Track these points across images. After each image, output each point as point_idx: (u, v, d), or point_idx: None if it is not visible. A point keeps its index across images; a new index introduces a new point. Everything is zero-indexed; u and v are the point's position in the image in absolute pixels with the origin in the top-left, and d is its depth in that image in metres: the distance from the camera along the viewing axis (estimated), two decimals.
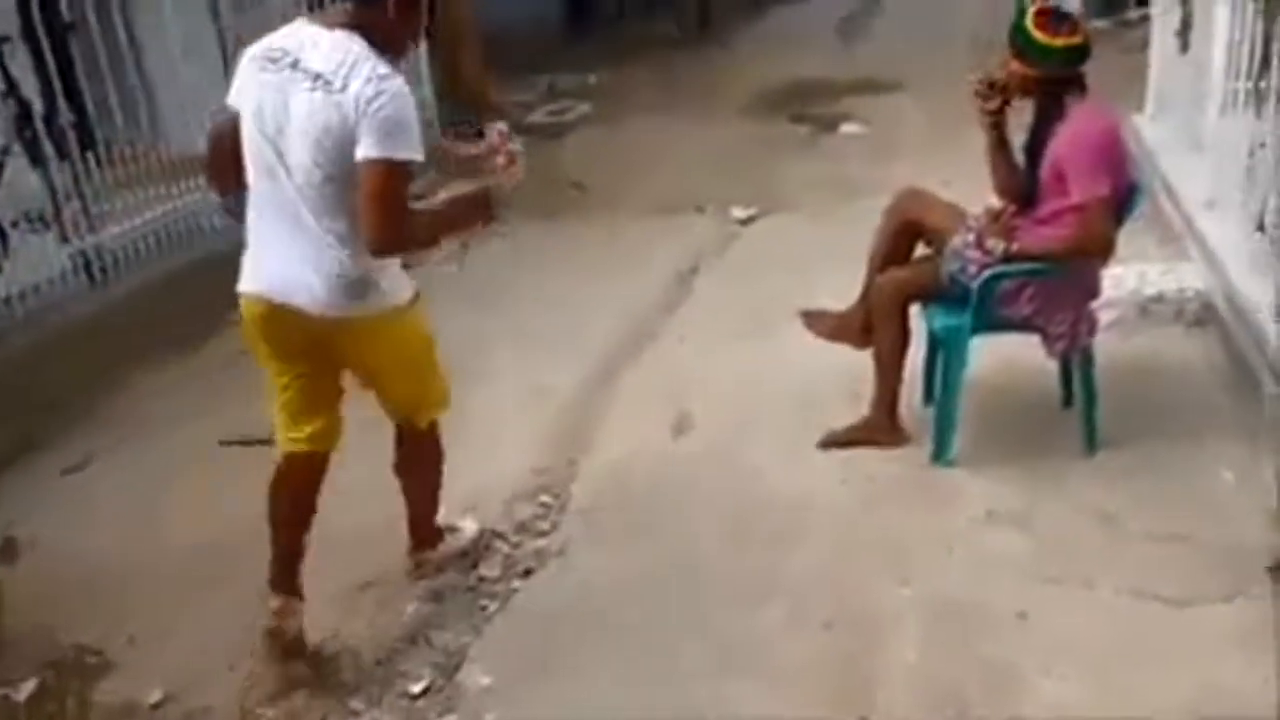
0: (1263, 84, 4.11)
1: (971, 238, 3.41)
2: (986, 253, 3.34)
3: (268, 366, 2.90)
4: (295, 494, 2.99)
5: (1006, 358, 3.83)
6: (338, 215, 2.59)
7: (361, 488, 3.33)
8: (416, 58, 7.49)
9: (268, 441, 4.06)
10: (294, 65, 2.56)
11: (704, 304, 5.23)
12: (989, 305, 3.35)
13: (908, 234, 3.71)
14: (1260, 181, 4.09)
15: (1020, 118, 3.57)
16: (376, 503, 3.32)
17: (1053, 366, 3.78)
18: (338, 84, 2.50)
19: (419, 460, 3.18)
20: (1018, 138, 3.60)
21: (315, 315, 2.67)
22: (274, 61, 2.59)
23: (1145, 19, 10.71)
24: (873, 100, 8.92)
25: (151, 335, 4.80)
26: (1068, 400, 3.81)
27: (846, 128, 8.18)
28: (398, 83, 2.52)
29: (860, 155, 7.43)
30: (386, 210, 2.49)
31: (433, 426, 3.12)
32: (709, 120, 8.88)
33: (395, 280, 2.79)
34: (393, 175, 2.48)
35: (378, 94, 2.47)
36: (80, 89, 4.97)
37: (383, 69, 2.52)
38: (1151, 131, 6.31)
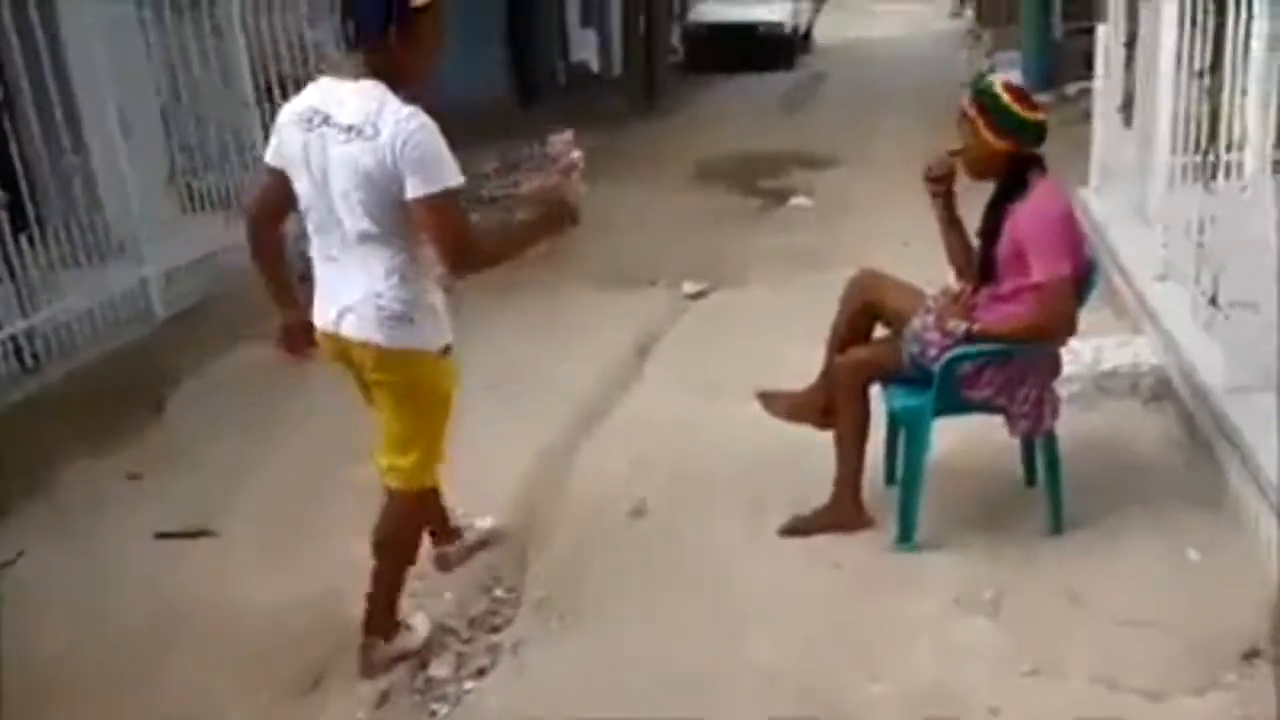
0: (1210, 157, 4.15)
1: (931, 319, 3.36)
2: (947, 334, 3.30)
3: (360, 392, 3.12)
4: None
5: (968, 437, 3.77)
6: (380, 254, 2.79)
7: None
8: None
9: (206, 533, 3.96)
10: (326, 121, 2.74)
11: (657, 381, 5.15)
12: (951, 387, 3.29)
13: (866, 315, 3.66)
14: (1211, 256, 4.11)
15: (969, 195, 3.55)
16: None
17: (1015, 445, 3.73)
18: (369, 131, 2.66)
19: (387, 530, 3.13)
20: (969, 215, 3.58)
21: (358, 343, 2.87)
22: (308, 120, 2.77)
23: (1084, 93, 11.01)
24: (818, 173, 9.02)
25: (87, 422, 4.60)
26: (1031, 479, 3.76)
27: (795, 200, 8.22)
28: (422, 119, 2.67)
29: (809, 227, 7.47)
30: (451, 237, 2.71)
31: (410, 500, 3.11)
32: (659, 192, 8.90)
33: (431, 326, 2.91)
34: (444, 206, 2.68)
35: (408, 135, 2.64)
36: (13, 167, 4.82)
37: (405, 109, 2.67)
38: (1098, 205, 6.38)
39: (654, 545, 3.69)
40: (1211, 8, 4.05)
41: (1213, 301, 4.06)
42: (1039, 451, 3.56)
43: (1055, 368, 3.44)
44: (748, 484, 3.97)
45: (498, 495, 4.07)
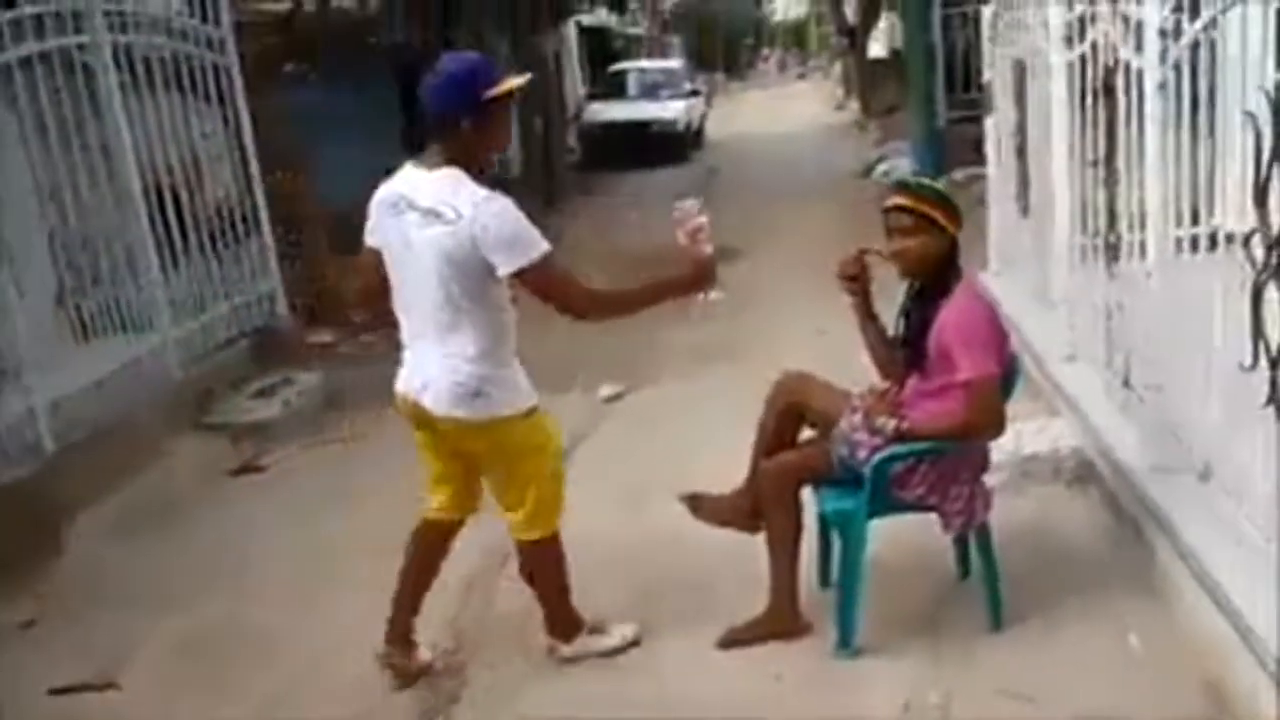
0: (1111, 238, 4.24)
1: (858, 419, 3.33)
2: (875, 433, 3.26)
3: (420, 452, 3.44)
4: (423, 553, 3.54)
5: (897, 533, 3.70)
6: (459, 332, 3.07)
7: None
8: (263, 248, 7.24)
9: (107, 685, 3.68)
10: (410, 206, 3.05)
11: (580, 492, 4.97)
12: (884, 488, 3.25)
13: (792, 417, 3.61)
14: (1120, 338, 4.18)
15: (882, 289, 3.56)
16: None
17: (945, 539, 3.69)
18: (450, 215, 2.96)
19: (532, 572, 3.48)
20: (884, 309, 3.58)
21: (439, 416, 3.16)
22: (394, 205, 3.10)
23: (974, 179, 11.35)
24: (724, 266, 8.97)
25: None
26: (965, 572, 3.72)
27: (703, 295, 8.22)
28: (501, 201, 2.98)
29: (720, 321, 7.44)
30: (561, 295, 3.10)
31: (533, 546, 3.38)
32: None
33: (507, 393, 3.17)
34: (541, 272, 3.01)
35: (490, 218, 2.95)
36: None
37: (482, 192, 2.98)
38: (999, 288, 6.48)
39: (584, 663, 3.53)
40: (1100, 93, 4.16)
41: (1126, 383, 4.12)
42: (972, 544, 3.53)
43: (985, 463, 3.43)
44: (681, 595, 3.86)
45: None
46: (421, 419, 3.26)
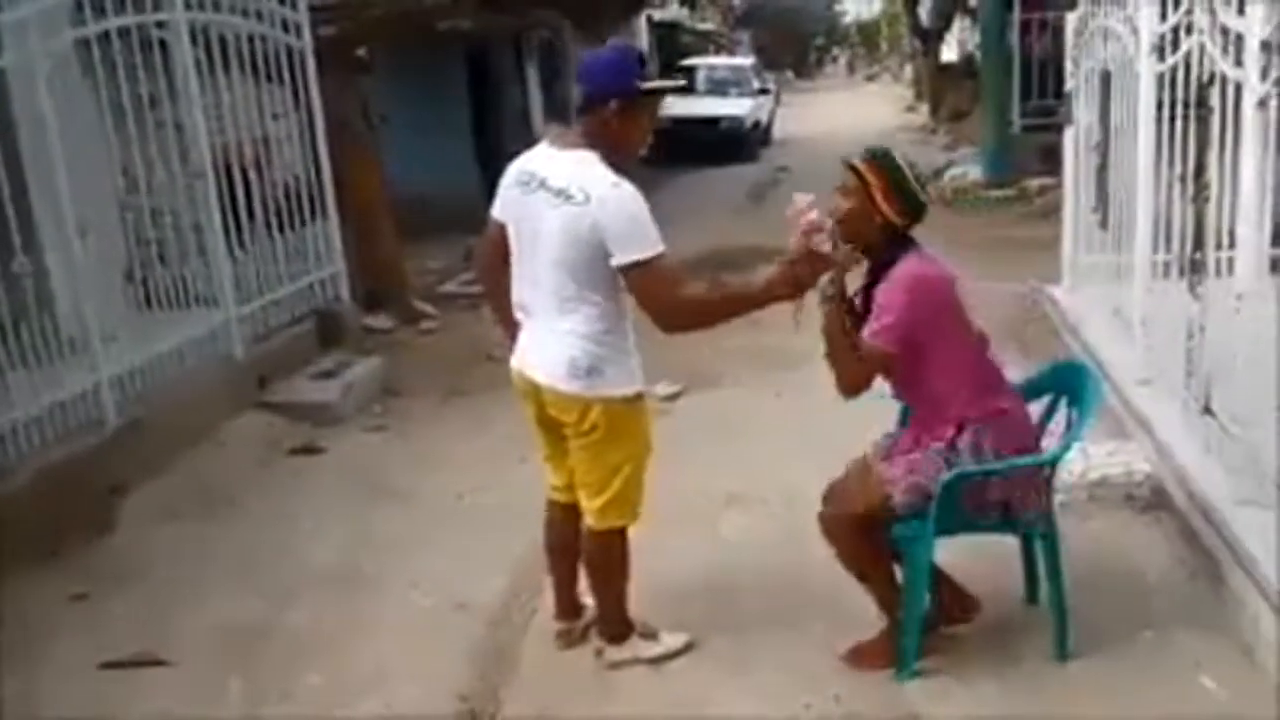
0: (1196, 257, 4.08)
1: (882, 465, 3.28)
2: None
3: (531, 427, 3.40)
4: (556, 534, 3.53)
5: (965, 551, 3.61)
6: (580, 311, 3.06)
7: None
8: (328, 232, 7.26)
9: (156, 661, 3.69)
10: (542, 184, 3.05)
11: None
12: (953, 506, 3.13)
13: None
14: (1201, 363, 4.03)
15: None
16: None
17: (1015, 558, 3.58)
18: (580, 197, 2.95)
19: (590, 564, 3.44)
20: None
21: (546, 388, 3.16)
22: (525, 184, 3.11)
23: (1045, 189, 11.14)
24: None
25: (30, 538, 4.31)
26: (1033, 595, 3.60)
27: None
28: (630, 189, 2.96)
29: (780, 325, 7.29)
30: (658, 303, 3.01)
31: (610, 535, 3.32)
32: None
33: (621, 374, 3.14)
34: (651, 271, 2.96)
35: (618, 203, 2.93)
36: None
37: (614, 178, 2.97)
38: (1071, 304, 6.35)
39: (638, 685, 3.42)
40: (1192, 107, 4.01)
41: (1206, 410, 3.97)
42: (1042, 568, 3.39)
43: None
44: (737, 604, 3.79)
45: (468, 620, 3.85)
46: (531, 394, 3.26)
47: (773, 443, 5.20)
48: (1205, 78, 3.91)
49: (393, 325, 7.84)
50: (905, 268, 3.14)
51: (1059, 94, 11.96)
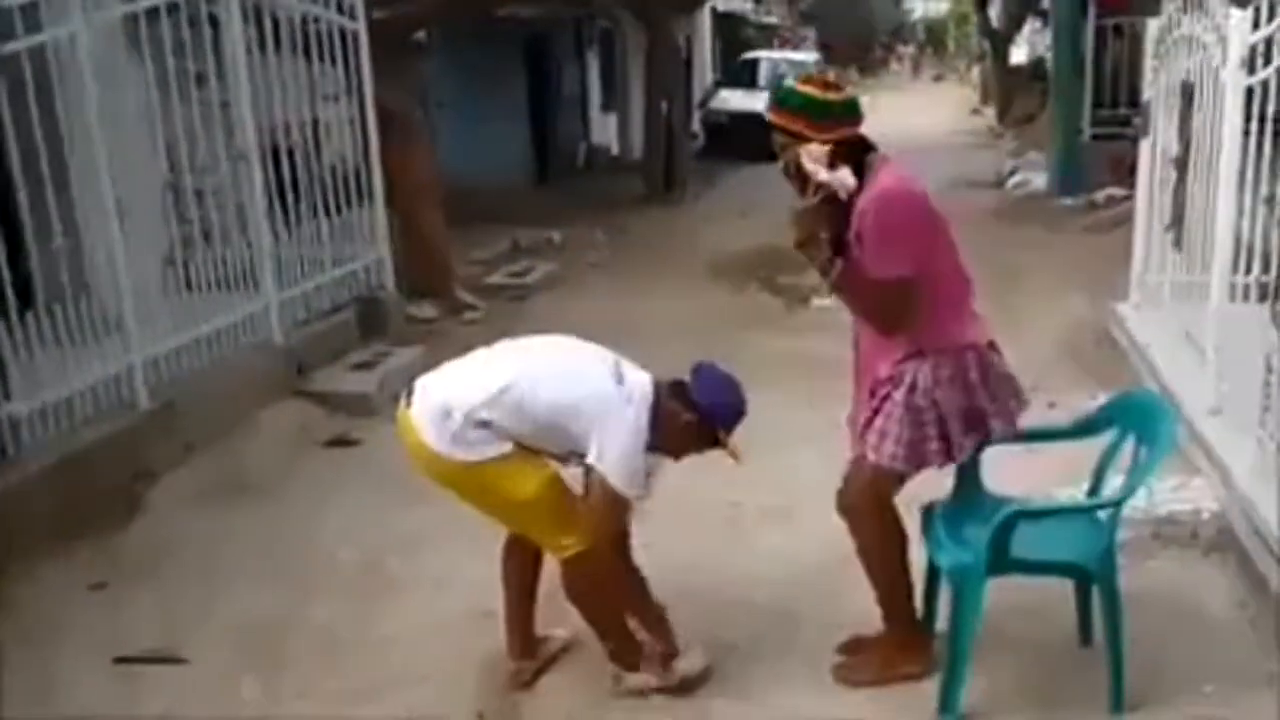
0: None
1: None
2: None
3: None
4: (512, 564, 3.40)
5: (1015, 586, 3.39)
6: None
7: None
8: (374, 217, 7.15)
9: (172, 659, 3.58)
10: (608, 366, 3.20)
11: (674, 499, 4.76)
12: (1007, 546, 2.92)
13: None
14: (1279, 397, 3.78)
15: None
16: None
17: (1069, 596, 3.37)
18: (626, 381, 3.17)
19: (570, 598, 3.23)
20: None
21: None
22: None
23: (1112, 200, 10.79)
24: None
25: (54, 523, 4.24)
26: (1086, 637, 3.39)
27: (818, 301, 7.90)
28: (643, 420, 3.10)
29: (831, 333, 7.07)
30: (595, 517, 3.13)
31: (576, 564, 3.12)
32: (676, 286, 8.61)
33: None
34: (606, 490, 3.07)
35: (621, 430, 3.07)
36: None
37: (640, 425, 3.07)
38: (1138, 324, 6.07)
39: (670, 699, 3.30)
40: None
41: None
42: (1100, 609, 3.17)
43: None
44: (762, 625, 3.62)
45: (493, 628, 3.70)
46: None
47: (809, 453, 5.00)
48: None
49: (436, 315, 7.74)
50: (877, 186, 2.97)
51: (1133, 103, 11.62)
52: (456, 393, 3.05)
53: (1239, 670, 3.26)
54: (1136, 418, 3.18)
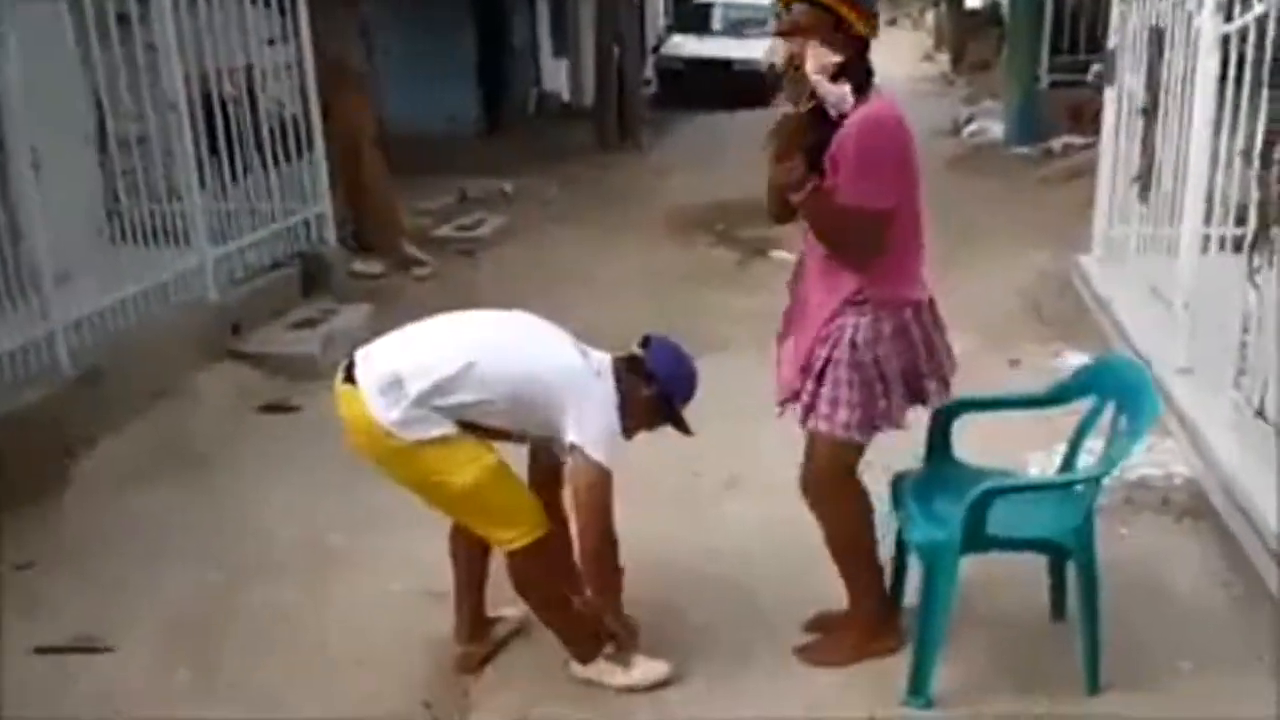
0: (1256, 246, 3.69)
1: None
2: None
3: None
4: (461, 539, 3.17)
5: (986, 556, 3.25)
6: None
7: None
8: (314, 169, 6.84)
9: (96, 648, 3.36)
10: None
11: (629, 471, 4.57)
12: (983, 522, 2.77)
13: None
14: (1259, 359, 3.66)
15: None
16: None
17: (1040, 569, 3.23)
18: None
19: (519, 591, 3.07)
20: None
21: None
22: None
23: (1070, 148, 10.67)
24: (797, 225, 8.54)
25: None
26: (1059, 612, 3.26)
27: (776, 254, 7.72)
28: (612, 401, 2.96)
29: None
30: (586, 495, 2.93)
31: (523, 556, 2.94)
32: (631, 240, 8.39)
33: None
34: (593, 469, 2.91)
35: (595, 402, 2.94)
36: None
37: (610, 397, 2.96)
38: (1102, 277, 5.96)
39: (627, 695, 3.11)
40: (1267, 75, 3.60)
41: (1260, 413, 3.60)
42: (1076, 585, 3.02)
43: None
44: (734, 615, 3.44)
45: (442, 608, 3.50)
46: None
47: (768, 417, 4.84)
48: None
49: (382, 271, 7.45)
50: (877, 117, 2.78)
51: (1092, 49, 11.50)
52: (409, 364, 2.82)
53: (1217, 646, 3.15)
54: (1115, 385, 3.03)
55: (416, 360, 2.83)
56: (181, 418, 4.94)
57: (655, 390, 3.02)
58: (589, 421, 2.83)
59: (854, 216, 2.79)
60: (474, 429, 2.86)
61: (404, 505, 4.05)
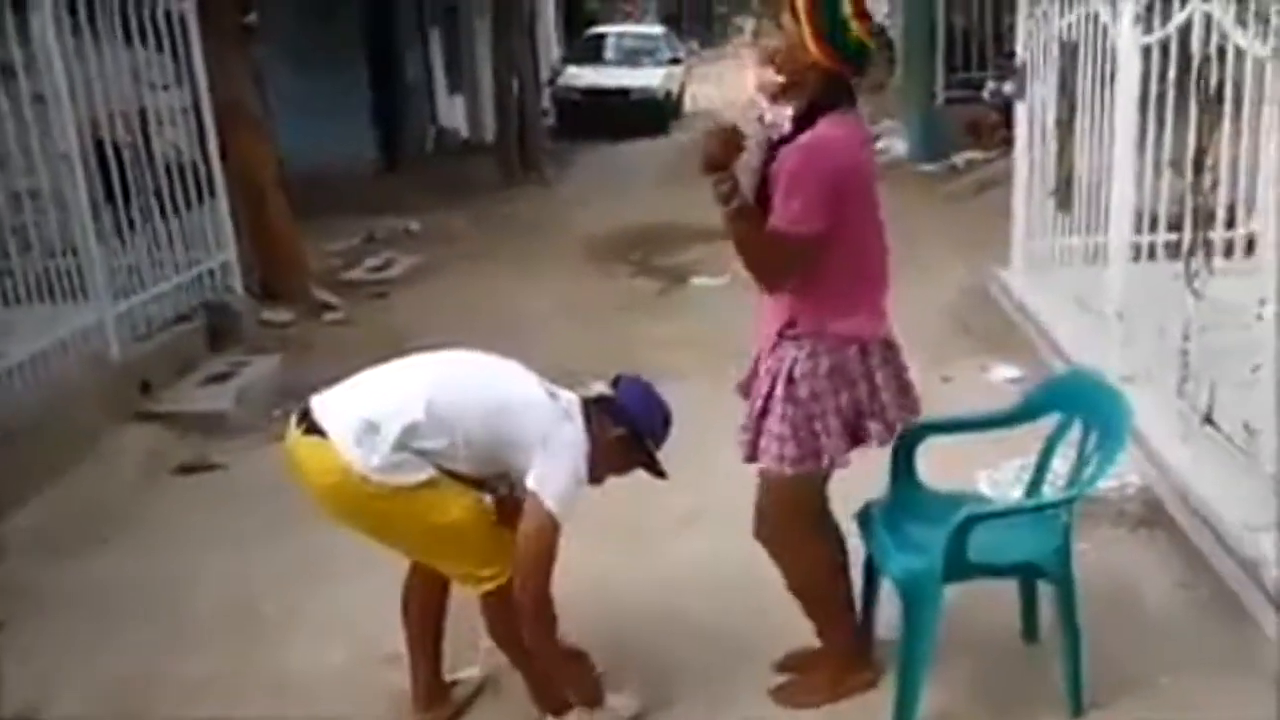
0: (1191, 254, 3.72)
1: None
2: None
3: None
4: (415, 599, 3.02)
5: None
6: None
7: None
8: (217, 215, 6.56)
9: None
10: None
11: (584, 502, 4.42)
12: (965, 551, 2.69)
13: None
14: (1202, 364, 3.67)
15: None
16: None
17: (1007, 590, 3.17)
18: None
19: (493, 639, 2.89)
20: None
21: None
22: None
23: (972, 164, 10.87)
24: (718, 246, 8.46)
25: None
26: (1031, 634, 3.20)
27: (698, 280, 7.66)
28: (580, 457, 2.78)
29: (719, 309, 6.84)
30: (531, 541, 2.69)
31: (497, 600, 2.76)
32: (549, 272, 8.24)
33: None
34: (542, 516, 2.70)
35: (565, 450, 2.75)
36: None
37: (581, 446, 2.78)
38: (1025, 289, 6.01)
39: None
40: (1196, 86, 3.62)
41: (1208, 419, 3.61)
42: (1054, 606, 2.95)
43: None
44: (699, 651, 3.31)
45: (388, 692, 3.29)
46: None
47: (718, 445, 4.73)
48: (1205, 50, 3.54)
49: (292, 317, 7.16)
50: (815, 131, 2.67)
51: (982, 66, 11.78)
52: (378, 409, 2.65)
53: (1189, 657, 3.11)
54: (1082, 400, 2.98)
55: (384, 405, 2.67)
56: (91, 486, 4.63)
57: (627, 430, 2.86)
58: (555, 470, 2.67)
59: (774, 238, 2.67)
60: (451, 476, 2.69)
61: (328, 564, 3.87)
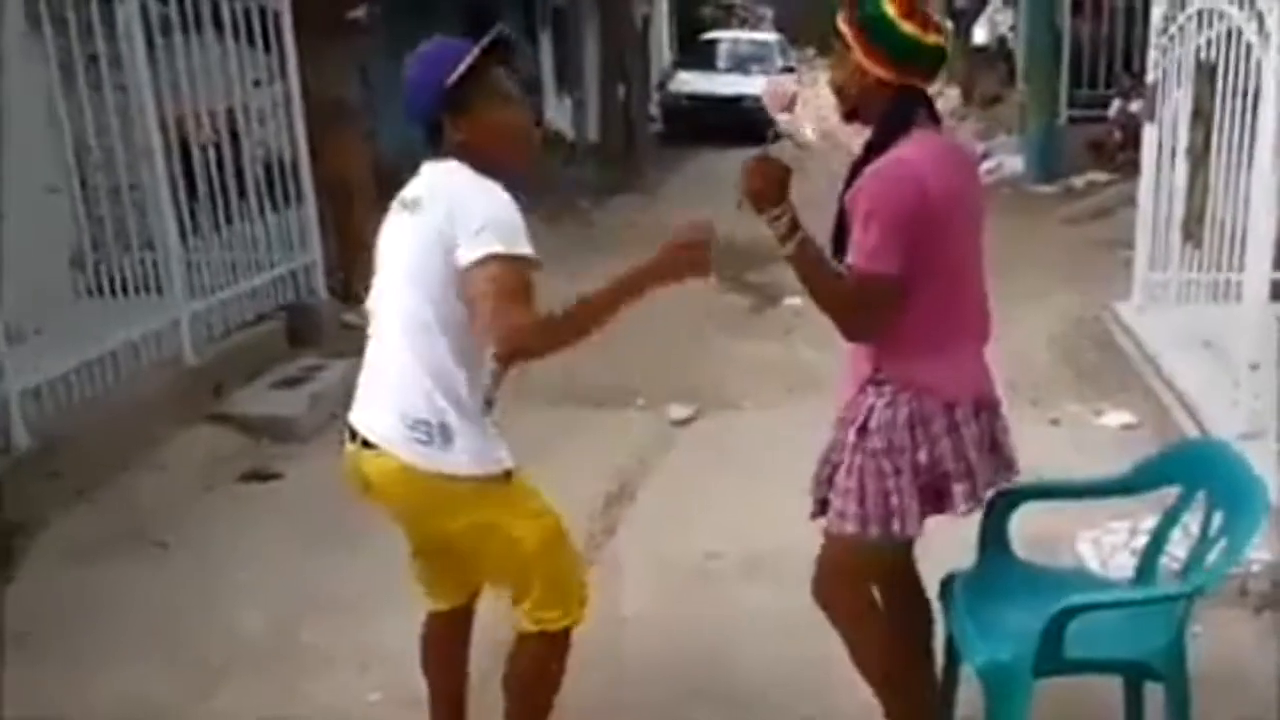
0: None
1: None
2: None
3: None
4: (437, 653, 2.77)
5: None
6: (426, 350, 2.36)
7: None
8: (304, 216, 6.46)
9: None
10: (403, 203, 2.46)
11: (639, 538, 4.17)
12: (1060, 642, 2.34)
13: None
14: None
15: None
16: None
17: (1111, 684, 2.80)
18: (428, 203, 2.38)
19: (518, 678, 2.59)
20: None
21: (386, 451, 2.38)
22: (400, 204, 2.48)
23: (1093, 185, 10.31)
24: None
25: None
26: None
27: (789, 300, 7.32)
28: (485, 184, 2.36)
29: (806, 336, 6.51)
30: (501, 317, 2.24)
31: (547, 641, 2.52)
32: None
33: (475, 445, 2.39)
34: (504, 269, 2.25)
35: (470, 198, 2.33)
36: None
37: (476, 179, 2.37)
38: (1144, 327, 5.55)
39: None
40: None
41: None
42: (1166, 707, 2.58)
43: None
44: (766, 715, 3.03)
45: None
46: (356, 463, 2.48)
47: (794, 483, 4.43)
48: None
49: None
50: (893, 153, 2.37)
51: (1110, 84, 11.19)
52: (398, 400, 2.38)
53: None
54: (1208, 474, 2.60)
55: (396, 392, 2.40)
56: (148, 491, 4.53)
57: (441, 117, 2.43)
58: (470, 221, 2.29)
59: (851, 279, 2.37)
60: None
61: (384, 590, 3.65)
